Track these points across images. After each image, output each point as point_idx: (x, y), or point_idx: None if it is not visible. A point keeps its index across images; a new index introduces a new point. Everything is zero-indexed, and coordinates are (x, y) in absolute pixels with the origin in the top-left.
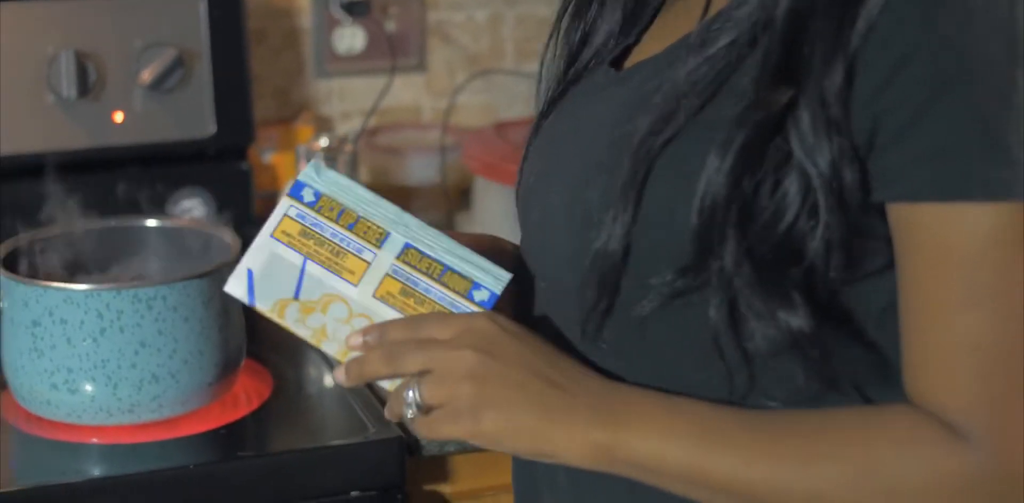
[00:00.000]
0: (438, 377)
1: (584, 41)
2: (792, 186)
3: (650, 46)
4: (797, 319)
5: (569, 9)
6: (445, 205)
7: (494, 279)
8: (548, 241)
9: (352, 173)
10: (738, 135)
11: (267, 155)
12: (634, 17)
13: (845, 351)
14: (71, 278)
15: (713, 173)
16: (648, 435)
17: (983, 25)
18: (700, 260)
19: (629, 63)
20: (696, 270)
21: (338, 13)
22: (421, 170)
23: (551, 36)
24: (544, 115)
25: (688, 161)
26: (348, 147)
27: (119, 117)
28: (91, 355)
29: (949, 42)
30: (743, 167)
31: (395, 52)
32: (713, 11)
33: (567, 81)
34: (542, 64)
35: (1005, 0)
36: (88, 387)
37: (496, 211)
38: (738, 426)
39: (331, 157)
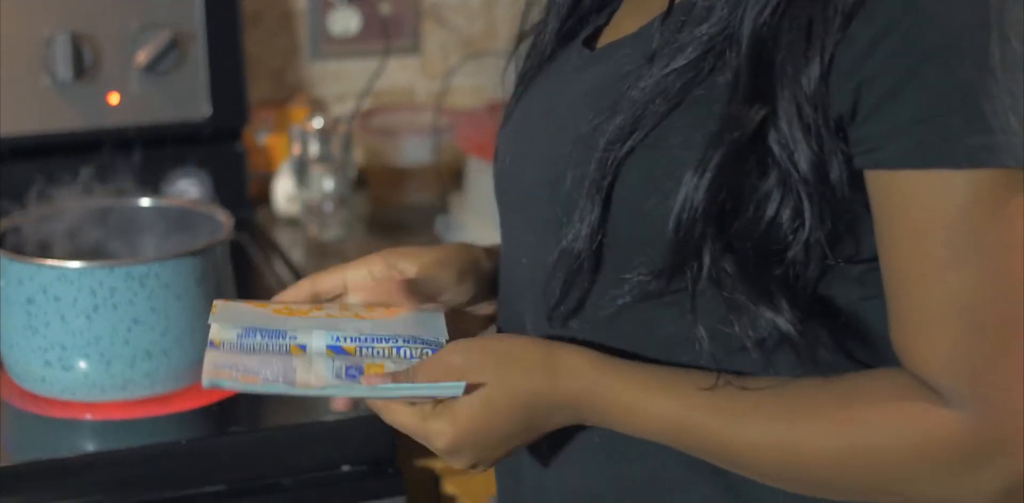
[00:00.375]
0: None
1: (560, 19)
2: (774, 186)
3: (622, 24)
4: (783, 319)
5: None
6: (438, 186)
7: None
8: (528, 223)
9: (346, 154)
10: (715, 154)
11: (262, 136)
12: None
13: (832, 336)
14: (66, 257)
15: (692, 191)
16: (625, 422)
17: None
18: (677, 265)
19: (602, 42)
20: (671, 274)
21: None
22: (415, 151)
23: (525, 14)
24: (518, 95)
25: (653, 168)
26: (342, 128)
27: (115, 99)
28: (84, 332)
29: (928, 14)
30: (721, 182)
31: (389, 34)
32: None
33: (541, 60)
34: (518, 43)
35: None
36: (82, 364)
37: (489, 191)
38: (715, 407)
39: (326, 138)
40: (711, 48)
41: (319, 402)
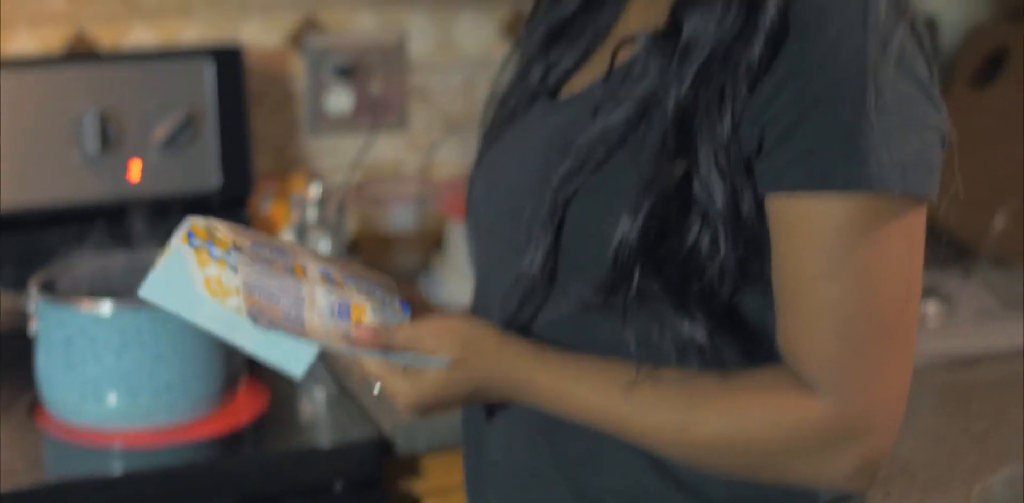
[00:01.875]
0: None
1: (543, 76)
2: (695, 219)
3: (584, 75)
4: (698, 331)
5: (534, 46)
6: (422, 249)
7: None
8: (494, 246)
9: (340, 220)
10: (645, 201)
11: (266, 205)
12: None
13: (738, 342)
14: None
15: (627, 231)
16: (555, 408)
17: (843, 51)
18: (613, 285)
19: (567, 89)
20: (608, 291)
21: (329, 77)
22: (401, 218)
23: (504, 67)
24: (491, 137)
25: (596, 206)
26: (337, 197)
27: (136, 171)
28: (115, 368)
29: (817, 67)
30: (651, 223)
31: (379, 112)
32: (621, 58)
33: (514, 110)
34: (493, 90)
35: (859, 30)
36: (112, 396)
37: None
38: (628, 399)
39: (323, 205)
40: (644, 106)
41: (315, 431)
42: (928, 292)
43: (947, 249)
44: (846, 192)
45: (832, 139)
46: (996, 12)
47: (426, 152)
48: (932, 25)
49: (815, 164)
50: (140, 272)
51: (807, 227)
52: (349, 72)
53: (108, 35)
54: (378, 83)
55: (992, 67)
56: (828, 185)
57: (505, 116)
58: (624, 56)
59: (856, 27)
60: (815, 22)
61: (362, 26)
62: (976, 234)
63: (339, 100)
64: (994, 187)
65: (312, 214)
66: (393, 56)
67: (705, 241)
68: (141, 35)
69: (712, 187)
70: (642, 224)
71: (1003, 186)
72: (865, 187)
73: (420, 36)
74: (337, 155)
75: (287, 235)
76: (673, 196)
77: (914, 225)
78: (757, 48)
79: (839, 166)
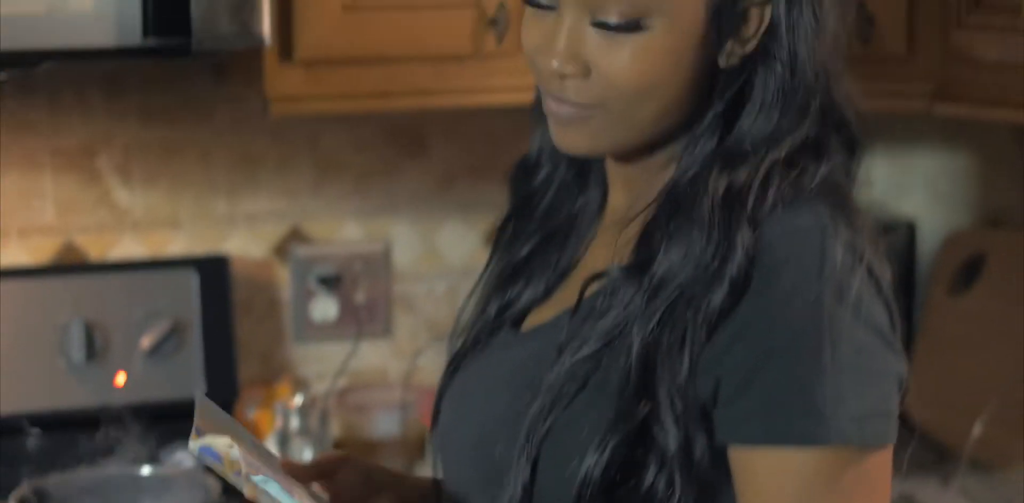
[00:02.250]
0: None
1: (500, 311)
2: (652, 460)
3: (546, 308)
4: None
5: (494, 281)
6: (406, 456)
7: None
8: (459, 476)
9: (323, 428)
10: (611, 440)
11: (250, 412)
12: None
13: None
14: None
15: (591, 467)
16: None
17: (799, 302)
18: None
19: (531, 319)
20: None
21: (314, 286)
22: (385, 425)
23: (468, 298)
24: (454, 367)
25: (567, 441)
26: (320, 406)
27: (121, 379)
28: None
29: (773, 319)
30: (614, 460)
31: (364, 320)
32: (589, 291)
33: (477, 339)
34: (457, 322)
35: (814, 280)
36: None
37: None
38: None
39: (305, 414)
40: (608, 342)
41: None
42: (906, 501)
43: (925, 455)
44: (804, 447)
45: (788, 394)
46: (974, 218)
47: (410, 359)
48: (911, 230)
49: (772, 419)
50: (124, 483)
51: (767, 478)
52: (334, 281)
53: (96, 246)
54: (363, 292)
55: (970, 273)
56: (786, 441)
57: (469, 344)
58: (590, 291)
59: (812, 277)
60: (774, 271)
61: (347, 236)
62: (955, 439)
63: (324, 308)
64: (973, 392)
65: (295, 423)
66: (378, 265)
67: (661, 483)
68: (129, 247)
69: (667, 431)
70: (607, 461)
71: (982, 391)
72: (822, 442)
73: (404, 246)
74: (322, 362)
75: (270, 442)
76: (636, 435)
77: (874, 470)
78: (720, 294)
79: (796, 422)
